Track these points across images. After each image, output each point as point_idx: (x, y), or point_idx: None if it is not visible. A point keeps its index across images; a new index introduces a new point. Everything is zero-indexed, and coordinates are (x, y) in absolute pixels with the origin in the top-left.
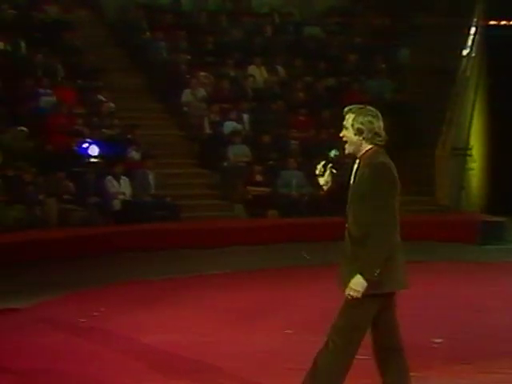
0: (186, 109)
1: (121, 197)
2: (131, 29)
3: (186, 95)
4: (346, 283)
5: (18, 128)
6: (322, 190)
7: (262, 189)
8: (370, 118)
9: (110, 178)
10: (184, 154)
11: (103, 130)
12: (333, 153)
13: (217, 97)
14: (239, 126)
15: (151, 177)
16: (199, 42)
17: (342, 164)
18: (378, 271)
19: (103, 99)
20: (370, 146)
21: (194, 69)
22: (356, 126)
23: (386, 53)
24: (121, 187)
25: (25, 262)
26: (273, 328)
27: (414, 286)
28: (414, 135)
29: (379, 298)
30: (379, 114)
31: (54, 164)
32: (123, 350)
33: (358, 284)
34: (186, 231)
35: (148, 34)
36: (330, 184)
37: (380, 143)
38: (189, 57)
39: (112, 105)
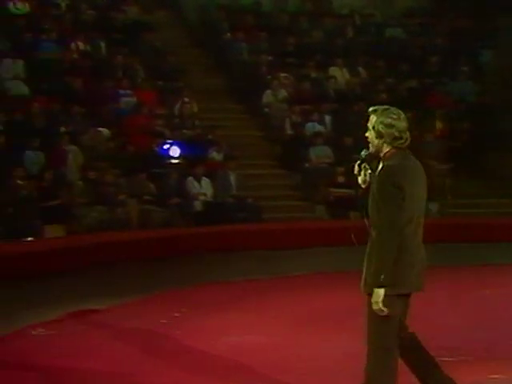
0: (266, 110)
1: (202, 198)
2: (211, 30)
3: (267, 96)
4: (363, 285)
5: (99, 129)
6: (361, 188)
7: (344, 190)
8: (390, 121)
9: (190, 178)
10: (265, 155)
11: (184, 130)
12: (363, 153)
13: (298, 98)
14: (321, 128)
15: (232, 178)
16: (280, 43)
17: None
18: (382, 276)
19: (185, 100)
20: (389, 148)
21: (275, 70)
22: (377, 128)
23: (468, 54)
24: (202, 188)
25: (105, 263)
26: (355, 329)
27: None
28: (497, 137)
29: (399, 299)
30: (402, 116)
31: (135, 165)
32: (202, 350)
33: (375, 296)
34: (267, 232)
35: (228, 34)
36: (368, 182)
37: (401, 146)
38: (270, 58)
39: (193, 105)
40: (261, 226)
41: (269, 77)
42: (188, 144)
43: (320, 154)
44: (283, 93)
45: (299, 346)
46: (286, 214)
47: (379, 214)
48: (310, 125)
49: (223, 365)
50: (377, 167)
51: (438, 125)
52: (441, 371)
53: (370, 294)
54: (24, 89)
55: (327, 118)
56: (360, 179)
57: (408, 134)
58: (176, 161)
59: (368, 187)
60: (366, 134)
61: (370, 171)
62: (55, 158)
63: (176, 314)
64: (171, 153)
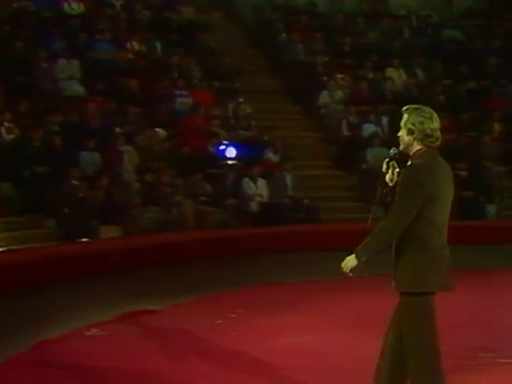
0: (323, 111)
1: (258, 199)
2: (267, 30)
3: (323, 97)
4: (394, 284)
5: (155, 129)
6: (388, 186)
7: None
8: (421, 119)
9: (246, 179)
10: (321, 156)
11: (240, 131)
12: (392, 151)
13: (354, 99)
14: (378, 129)
15: (288, 179)
16: (336, 43)
17: (406, 161)
18: (365, 258)
19: (240, 101)
20: (420, 147)
21: (331, 70)
22: (408, 126)
23: None
24: (258, 189)
25: (161, 263)
26: None
27: None
28: None
29: (429, 296)
30: (435, 116)
31: (191, 166)
32: (258, 351)
33: (348, 260)
34: (323, 233)
35: (284, 35)
36: (395, 180)
37: (431, 144)
38: (326, 58)
39: (248, 106)
40: (317, 227)
41: (325, 77)
42: (244, 145)
43: (377, 156)
44: (340, 94)
45: (356, 347)
46: (343, 215)
47: (394, 206)
48: (366, 126)
49: (279, 366)
50: (405, 165)
51: (496, 127)
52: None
53: (402, 293)
54: (79, 89)
55: (384, 120)
56: (387, 177)
57: (439, 134)
58: (232, 162)
59: (395, 186)
60: (399, 134)
61: (397, 169)
62: (111, 159)
63: (232, 315)
64: (227, 153)
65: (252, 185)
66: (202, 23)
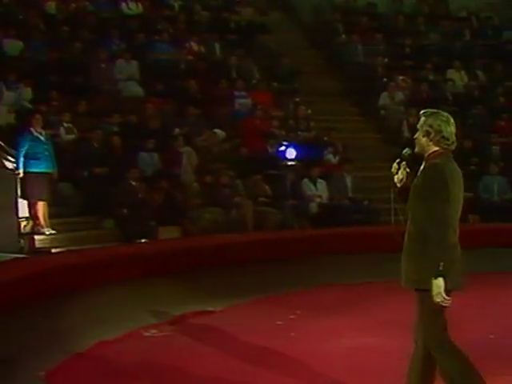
0: (383, 112)
1: (317, 200)
2: (327, 31)
3: (384, 98)
4: (405, 280)
5: (214, 130)
6: (396, 186)
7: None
8: (439, 122)
9: (306, 180)
10: (381, 158)
11: (299, 132)
12: (405, 151)
13: (415, 100)
14: None
15: (348, 180)
16: (396, 44)
17: (417, 163)
18: (442, 264)
19: (299, 102)
20: (436, 149)
21: (392, 72)
22: (425, 128)
23: None
24: (317, 190)
25: (220, 264)
26: (473, 331)
27: None
28: None
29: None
30: (451, 120)
31: (250, 167)
32: (317, 353)
33: (435, 287)
34: (383, 235)
35: (343, 36)
36: (404, 181)
37: (447, 147)
38: (386, 60)
39: (308, 107)
40: (377, 228)
41: (385, 79)
42: (303, 146)
43: None
44: (400, 95)
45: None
46: (403, 217)
47: (427, 210)
48: None
49: (338, 367)
50: (419, 167)
51: None
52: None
53: (417, 290)
54: (138, 90)
55: None
56: (396, 178)
57: (455, 138)
58: (292, 163)
59: (403, 187)
60: (415, 136)
61: (408, 170)
62: (170, 160)
63: (291, 316)
64: (287, 155)
65: (311, 186)
66: (261, 24)
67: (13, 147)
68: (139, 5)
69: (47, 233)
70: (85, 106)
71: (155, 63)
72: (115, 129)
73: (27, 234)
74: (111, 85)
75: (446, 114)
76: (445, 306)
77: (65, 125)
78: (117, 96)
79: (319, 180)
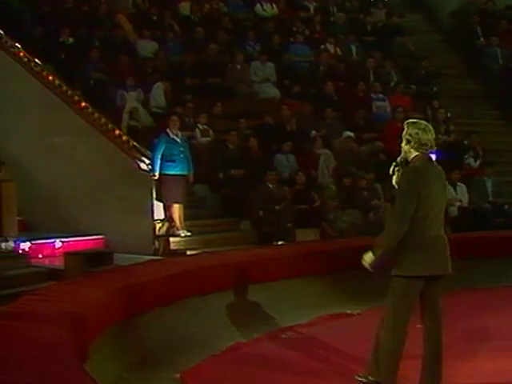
0: None
1: (457, 204)
2: (466, 34)
3: None
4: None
5: (346, 133)
6: (394, 187)
7: None
8: (417, 131)
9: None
10: None
11: (439, 136)
12: (399, 158)
13: None
14: None
15: (489, 184)
16: None
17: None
18: (379, 253)
19: (438, 105)
20: (416, 154)
21: None
22: (406, 137)
23: None
24: (457, 194)
25: (360, 266)
26: None
27: None
28: None
29: (416, 280)
30: (428, 128)
31: (389, 170)
32: (461, 354)
33: (366, 256)
34: None
35: (482, 39)
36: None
37: (425, 152)
38: None
39: (447, 111)
40: None
41: None
42: (443, 149)
43: None
44: None
45: None
46: None
47: (395, 204)
48: None
49: (487, 370)
50: None
51: None
52: (439, 369)
53: (394, 276)
54: (274, 92)
55: None
56: (394, 179)
57: (433, 143)
58: None
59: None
60: (402, 144)
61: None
62: (307, 162)
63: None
64: None
65: (451, 190)
66: (399, 26)
67: (149, 149)
68: (274, 6)
69: (182, 235)
70: (220, 108)
71: (291, 65)
72: (249, 131)
73: (162, 236)
74: (247, 86)
75: (424, 122)
76: (410, 292)
77: (200, 127)
78: (253, 98)
79: (459, 184)
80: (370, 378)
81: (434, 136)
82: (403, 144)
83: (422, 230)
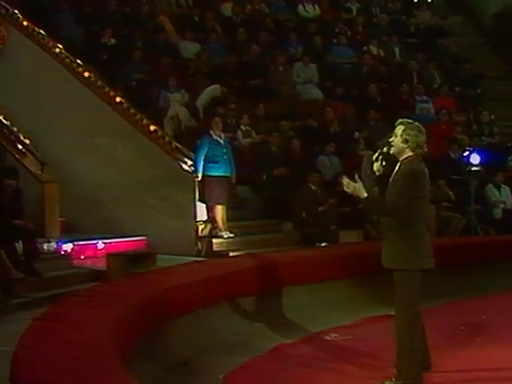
0: None
1: (501, 206)
2: (508, 36)
3: None
4: (384, 262)
5: (390, 135)
6: (375, 174)
7: None
8: (416, 133)
9: (490, 186)
10: None
11: (483, 138)
12: (385, 149)
13: None
14: None
15: None
16: None
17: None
18: (364, 202)
19: (480, 108)
20: (410, 154)
21: None
22: (404, 136)
23: None
24: (501, 196)
25: None
26: None
27: None
28: None
29: (419, 273)
30: (423, 131)
31: (433, 171)
32: (500, 360)
33: (358, 188)
34: None
35: None
36: (380, 172)
37: (420, 153)
38: None
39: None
40: None
41: None
42: (487, 151)
43: None
44: None
45: None
46: None
47: (399, 198)
48: None
49: None
50: (393, 167)
51: None
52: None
53: (394, 270)
54: (317, 93)
55: None
56: (375, 166)
57: (426, 146)
58: (475, 168)
59: (381, 175)
60: (391, 139)
61: (384, 164)
62: (350, 163)
63: (475, 321)
64: (471, 160)
65: (495, 192)
66: (442, 28)
67: (191, 150)
68: (316, 7)
69: (225, 236)
70: (263, 109)
71: (333, 66)
72: (291, 133)
73: (205, 237)
74: (289, 88)
75: (419, 125)
76: (416, 285)
77: (242, 128)
78: (295, 99)
79: (503, 186)
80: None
81: (426, 139)
82: (397, 141)
83: (420, 225)
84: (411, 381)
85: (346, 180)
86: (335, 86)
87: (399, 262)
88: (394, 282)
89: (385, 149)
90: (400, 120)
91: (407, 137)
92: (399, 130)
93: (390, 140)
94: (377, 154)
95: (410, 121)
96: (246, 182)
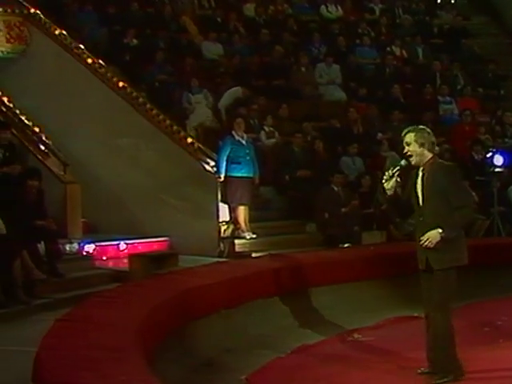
0: None
1: None
2: None
3: None
4: (422, 261)
5: None
6: (386, 194)
7: None
8: (426, 134)
9: None
10: None
11: (506, 139)
12: (403, 162)
13: None
14: None
15: None
16: None
17: (406, 175)
18: (453, 234)
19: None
20: (431, 155)
21: None
22: (420, 141)
23: None
24: None
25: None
26: None
27: None
28: None
29: (456, 270)
30: (432, 133)
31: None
32: None
33: (433, 235)
34: None
35: None
36: (392, 190)
37: (436, 152)
38: None
39: None
40: None
41: None
42: (510, 153)
43: None
44: None
45: None
46: None
47: (463, 197)
48: None
49: None
50: (415, 175)
51: None
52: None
53: (437, 270)
54: (340, 94)
55: None
56: (388, 185)
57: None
58: (499, 169)
59: (393, 195)
60: (406, 150)
61: (399, 180)
62: (373, 164)
63: (498, 322)
64: (494, 161)
65: None
66: (465, 29)
67: (214, 151)
68: (339, 8)
69: (248, 237)
70: (286, 110)
71: (357, 67)
72: (315, 134)
73: (227, 238)
74: (312, 89)
75: (426, 127)
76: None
77: (266, 129)
78: (318, 100)
79: None
80: (441, 377)
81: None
82: (415, 148)
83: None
84: (451, 373)
85: (424, 237)
86: (358, 86)
87: (447, 261)
88: (426, 282)
89: (402, 162)
90: (407, 129)
91: (422, 140)
92: (410, 137)
93: (405, 151)
94: (390, 172)
95: (416, 126)
96: (269, 182)
